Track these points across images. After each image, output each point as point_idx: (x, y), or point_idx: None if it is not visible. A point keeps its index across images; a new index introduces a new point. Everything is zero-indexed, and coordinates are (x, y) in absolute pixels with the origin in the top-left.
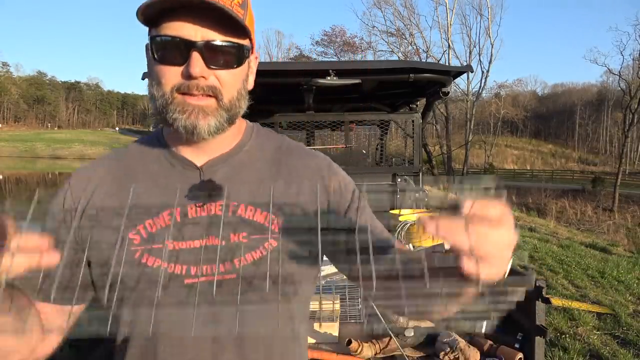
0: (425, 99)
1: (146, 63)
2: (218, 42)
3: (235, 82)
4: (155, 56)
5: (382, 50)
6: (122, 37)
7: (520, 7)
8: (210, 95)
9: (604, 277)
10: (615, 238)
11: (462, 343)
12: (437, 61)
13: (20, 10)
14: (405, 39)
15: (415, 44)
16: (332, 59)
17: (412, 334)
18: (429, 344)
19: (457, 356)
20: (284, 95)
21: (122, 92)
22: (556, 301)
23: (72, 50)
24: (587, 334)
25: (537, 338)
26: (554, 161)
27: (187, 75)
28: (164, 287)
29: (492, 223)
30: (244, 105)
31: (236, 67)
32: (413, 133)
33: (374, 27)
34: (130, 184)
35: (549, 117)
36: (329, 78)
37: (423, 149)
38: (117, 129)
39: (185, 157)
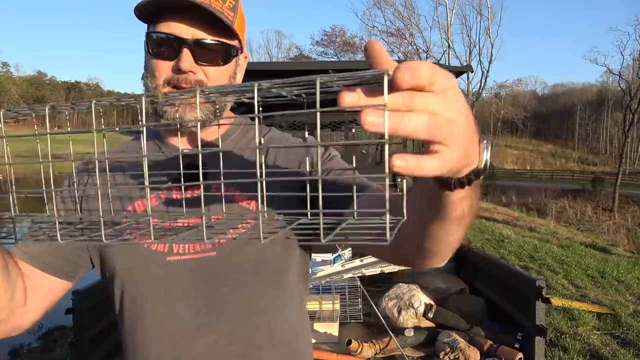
0: None
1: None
2: (207, 41)
3: (222, 78)
4: (150, 51)
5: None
6: (122, 37)
7: (521, 7)
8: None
9: (604, 277)
10: (615, 238)
11: (462, 343)
12: (437, 61)
13: (20, 10)
14: (405, 39)
15: (415, 44)
16: (332, 59)
17: (412, 334)
18: (429, 344)
19: (457, 356)
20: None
21: (122, 92)
22: (556, 301)
23: (72, 50)
24: (587, 334)
25: (537, 338)
26: (554, 161)
27: (177, 69)
28: (147, 264)
29: (434, 91)
30: (230, 99)
31: (223, 64)
32: None
33: (374, 27)
34: (122, 171)
35: (549, 117)
36: None
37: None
38: (117, 129)
39: (174, 145)
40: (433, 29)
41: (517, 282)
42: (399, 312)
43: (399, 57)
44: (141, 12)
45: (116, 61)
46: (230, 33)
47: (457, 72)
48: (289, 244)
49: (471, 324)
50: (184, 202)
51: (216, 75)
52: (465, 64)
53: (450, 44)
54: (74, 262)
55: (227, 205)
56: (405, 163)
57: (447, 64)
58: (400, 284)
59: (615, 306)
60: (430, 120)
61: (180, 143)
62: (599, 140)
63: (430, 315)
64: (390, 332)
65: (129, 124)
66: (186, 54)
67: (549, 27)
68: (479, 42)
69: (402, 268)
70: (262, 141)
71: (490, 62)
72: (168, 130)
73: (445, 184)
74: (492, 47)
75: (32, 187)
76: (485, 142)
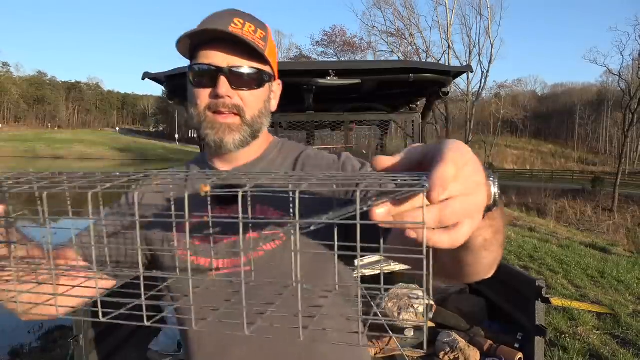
0: (425, 99)
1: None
2: (241, 68)
3: (257, 102)
4: (192, 81)
5: (382, 50)
6: (122, 37)
7: (521, 7)
8: (235, 114)
9: (603, 277)
10: (615, 238)
11: (462, 343)
12: (437, 61)
13: (20, 10)
14: (405, 39)
15: (415, 44)
16: (332, 59)
17: (412, 334)
18: (429, 344)
19: (457, 356)
20: (284, 95)
21: (122, 92)
22: (556, 301)
23: (72, 50)
24: (587, 333)
25: (537, 338)
26: (554, 161)
27: (215, 95)
28: (191, 277)
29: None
30: (266, 122)
31: (257, 89)
32: (413, 133)
33: (374, 27)
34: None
35: (549, 117)
36: (329, 78)
37: None
38: (117, 129)
39: (215, 166)
40: (433, 29)
41: (517, 282)
42: (399, 312)
43: (399, 57)
44: (183, 47)
45: (116, 61)
46: (262, 60)
47: (457, 72)
48: (322, 259)
49: (471, 324)
50: (222, 221)
51: (251, 99)
52: (465, 64)
53: (450, 44)
54: (124, 265)
55: (261, 222)
56: (384, 212)
57: (447, 64)
58: (400, 284)
59: (615, 306)
60: (463, 223)
61: (221, 164)
62: (598, 140)
63: (430, 315)
64: (390, 332)
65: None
66: (223, 81)
67: (548, 27)
68: (479, 42)
69: (402, 268)
70: (298, 159)
71: (490, 62)
72: (211, 151)
73: None
74: (492, 47)
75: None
76: (492, 178)
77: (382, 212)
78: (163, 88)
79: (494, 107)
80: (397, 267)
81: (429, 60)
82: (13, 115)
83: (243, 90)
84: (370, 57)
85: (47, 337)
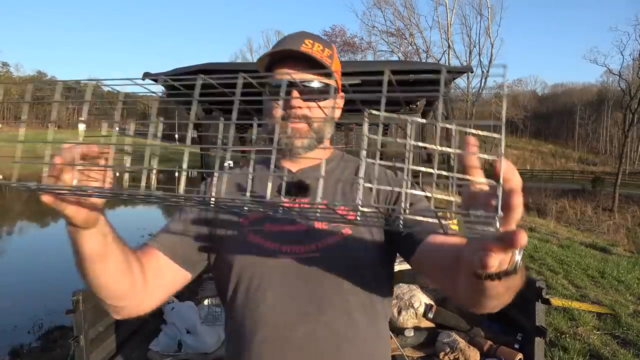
0: (425, 100)
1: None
2: (311, 83)
3: (323, 112)
4: (269, 93)
5: (382, 50)
6: (122, 37)
7: (521, 7)
8: (304, 122)
9: (604, 277)
10: (615, 238)
11: (462, 343)
12: (437, 61)
13: (20, 10)
14: (405, 39)
15: (415, 44)
16: None
17: (412, 334)
18: (429, 344)
19: (457, 356)
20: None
21: (123, 92)
22: (556, 301)
23: (72, 50)
24: (587, 334)
25: (537, 339)
26: (554, 161)
27: (289, 106)
28: (261, 260)
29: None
30: (330, 130)
31: (323, 101)
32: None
33: (374, 27)
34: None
35: (549, 117)
36: None
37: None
38: (117, 129)
39: (285, 167)
40: (433, 29)
41: None
42: (399, 312)
43: (399, 57)
44: (263, 64)
45: (116, 61)
46: (329, 75)
47: (457, 73)
48: (380, 250)
49: (471, 324)
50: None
51: (318, 110)
52: (465, 64)
53: (450, 44)
54: (196, 256)
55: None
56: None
57: (447, 63)
58: (401, 284)
59: (615, 306)
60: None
61: (290, 165)
62: (599, 140)
63: (431, 315)
64: (390, 332)
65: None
66: (295, 94)
67: (548, 27)
68: (479, 42)
69: (402, 268)
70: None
71: (490, 62)
72: (278, 154)
73: (478, 275)
74: (492, 47)
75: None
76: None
77: (494, 263)
78: (163, 88)
79: (494, 107)
80: (399, 267)
81: (429, 60)
82: (13, 115)
83: (312, 102)
84: (370, 57)
85: (47, 337)
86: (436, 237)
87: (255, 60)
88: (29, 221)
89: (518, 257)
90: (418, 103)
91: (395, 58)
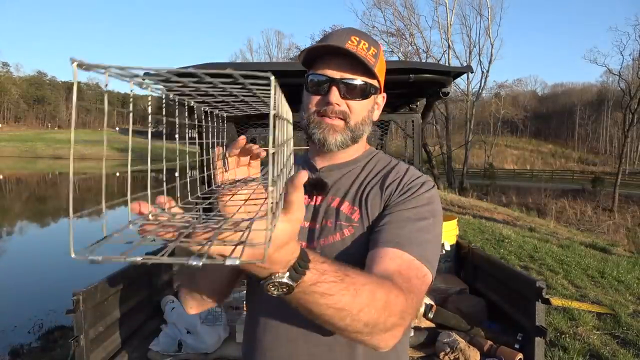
0: (425, 99)
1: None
2: (351, 80)
3: (362, 111)
4: (309, 89)
5: (382, 51)
6: (122, 37)
7: (521, 7)
8: (341, 118)
9: (604, 277)
10: (615, 238)
11: (462, 343)
12: (437, 61)
13: (20, 10)
14: (405, 39)
15: (415, 44)
16: None
17: (412, 334)
18: (429, 344)
19: (457, 356)
20: (284, 96)
21: (122, 92)
22: (556, 301)
23: (72, 51)
24: (587, 334)
25: (537, 339)
26: (554, 161)
27: (327, 102)
28: None
29: None
30: (367, 130)
31: (363, 99)
32: (413, 133)
33: (374, 27)
34: None
35: (549, 117)
36: None
37: (423, 149)
38: (117, 129)
39: (313, 163)
40: (433, 29)
41: (517, 283)
42: None
43: (399, 57)
44: (304, 59)
45: (116, 61)
46: (371, 74)
47: (457, 73)
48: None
49: (471, 324)
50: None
51: (357, 108)
52: (465, 64)
53: (450, 44)
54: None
55: (337, 214)
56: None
57: (447, 64)
58: None
59: (615, 306)
60: None
61: (320, 161)
62: (598, 140)
63: (431, 315)
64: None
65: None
66: (334, 90)
67: (548, 27)
68: (479, 42)
69: None
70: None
71: (490, 62)
72: (313, 149)
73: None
74: (492, 47)
75: (32, 188)
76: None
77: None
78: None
79: (494, 107)
80: None
81: (429, 60)
82: (13, 115)
83: (351, 99)
84: None
85: (47, 337)
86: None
87: (255, 61)
88: (29, 221)
89: (279, 278)
90: (418, 103)
91: (395, 58)
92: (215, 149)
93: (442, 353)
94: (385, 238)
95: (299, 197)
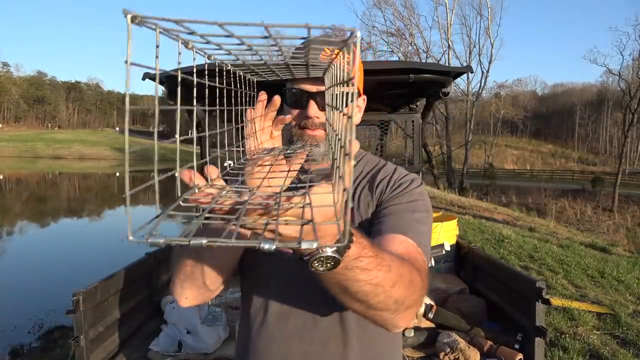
0: (425, 100)
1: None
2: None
3: (342, 120)
4: (288, 103)
5: (382, 50)
6: (122, 37)
7: (521, 7)
8: (322, 129)
9: (603, 277)
10: (615, 238)
11: (462, 343)
12: (437, 61)
13: (20, 10)
14: (405, 39)
15: (415, 44)
16: None
17: (413, 334)
18: (429, 344)
19: (457, 356)
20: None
21: (122, 92)
22: (556, 301)
23: (72, 50)
24: (587, 333)
25: (537, 339)
26: (554, 161)
27: (306, 116)
28: (262, 255)
29: None
30: (349, 134)
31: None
32: (413, 133)
33: (374, 27)
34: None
35: (549, 117)
36: None
37: (423, 149)
38: (117, 129)
39: (302, 167)
40: (433, 29)
41: (517, 283)
42: None
43: (399, 57)
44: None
45: (116, 61)
46: (347, 83)
47: (457, 73)
48: None
49: (471, 324)
50: None
51: (336, 118)
52: (465, 64)
53: (450, 44)
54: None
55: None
56: None
57: (447, 64)
58: None
59: (615, 306)
60: None
61: (310, 166)
62: (598, 140)
63: (431, 315)
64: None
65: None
66: (312, 103)
67: (548, 27)
68: (479, 42)
69: None
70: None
71: (490, 62)
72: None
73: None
74: (492, 47)
75: (32, 188)
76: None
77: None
78: (163, 88)
79: (494, 107)
80: None
81: (429, 60)
82: (13, 115)
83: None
84: (370, 57)
85: (47, 337)
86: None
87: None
88: (29, 221)
89: (327, 252)
90: (418, 103)
91: (395, 58)
92: (248, 111)
93: (442, 353)
94: (388, 227)
95: (351, 167)
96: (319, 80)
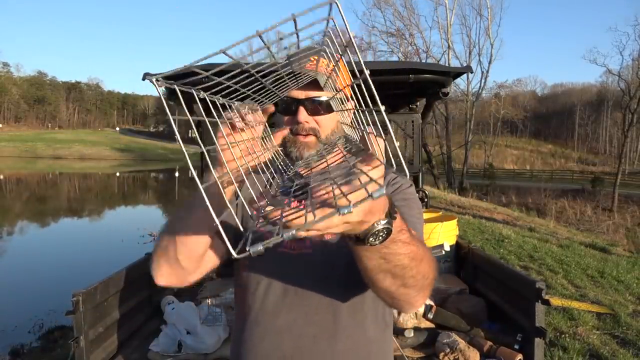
0: (425, 100)
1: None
2: (316, 98)
3: (330, 123)
4: (279, 110)
5: (382, 51)
6: (122, 37)
7: (520, 7)
8: (312, 134)
9: (603, 277)
10: (615, 238)
11: (462, 344)
12: (437, 61)
13: (20, 10)
14: (405, 39)
15: (415, 44)
16: None
17: (412, 334)
18: (429, 344)
19: (457, 357)
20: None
21: (123, 92)
22: (556, 301)
23: (72, 50)
24: (586, 333)
25: (537, 339)
26: (554, 161)
27: (296, 122)
28: (267, 254)
29: None
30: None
31: (330, 113)
32: (413, 133)
33: (374, 27)
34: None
35: (549, 117)
36: None
37: (423, 149)
38: (117, 129)
39: (298, 172)
40: (433, 29)
41: (517, 283)
42: (399, 313)
43: (399, 57)
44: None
45: (116, 61)
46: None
47: (457, 73)
48: None
49: (471, 324)
50: None
51: (326, 122)
52: (465, 64)
53: (450, 44)
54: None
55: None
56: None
57: (447, 64)
58: None
59: (614, 306)
60: None
61: (303, 170)
62: (598, 140)
63: (430, 315)
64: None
65: (129, 124)
66: (301, 110)
67: (548, 27)
68: (479, 42)
69: None
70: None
71: (490, 63)
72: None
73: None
74: (491, 47)
75: (32, 188)
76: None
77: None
78: (163, 89)
79: (493, 107)
80: None
81: (429, 60)
82: (13, 115)
83: (318, 115)
84: (370, 58)
85: (47, 337)
86: None
87: (255, 61)
88: (29, 221)
89: (381, 224)
90: (418, 103)
91: (395, 58)
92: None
93: (442, 353)
94: None
95: (382, 144)
96: (307, 87)
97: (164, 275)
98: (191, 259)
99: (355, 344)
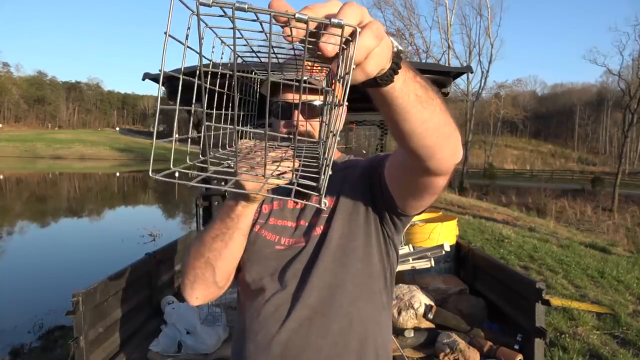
0: None
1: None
2: (310, 102)
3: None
4: (274, 114)
5: None
6: (122, 37)
7: (520, 7)
8: (308, 137)
9: (603, 277)
10: (615, 238)
11: (462, 344)
12: (437, 61)
13: (20, 10)
14: (405, 39)
15: (415, 44)
16: None
17: (412, 334)
18: (429, 344)
19: (457, 357)
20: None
21: (123, 92)
22: (556, 301)
23: (72, 50)
24: (586, 333)
25: (537, 340)
26: (554, 161)
27: (292, 125)
28: (264, 249)
29: None
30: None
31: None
32: None
33: None
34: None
35: (549, 117)
36: None
37: None
38: (117, 129)
39: None
40: (433, 29)
41: (517, 284)
42: (399, 313)
43: None
44: (264, 87)
45: (116, 61)
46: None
47: (457, 73)
48: (369, 243)
49: (471, 325)
50: (294, 210)
51: (319, 125)
52: (465, 64)
53: (450, 44)
54: None
55: (318, 212)
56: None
57: (447, 64)
58: (401, 284)
59: (614, 306)
60: None
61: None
62: (598, 140)
63: (430, 316)
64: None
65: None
66: (296, 113)
67: (548, 27)
68: (479, 42)
69: (401, 269)
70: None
71: (490, 62)
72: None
73: (376, 83)
74: (491, 47)
75: (32, 188)
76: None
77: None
78: (163, 88)
79: (493, 107)
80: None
81: (429, 60)
82: (13, 115)
83: (313, 119)
84: None
85: (47, 337)
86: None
87: (255, 61)
88: (29, 221)
89: (395, 44)
90: None
91: None
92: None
93: (442, 354)
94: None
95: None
96: (304, 90)
97: (199, 298)
98: (228, 279)
99: (351, 322)
